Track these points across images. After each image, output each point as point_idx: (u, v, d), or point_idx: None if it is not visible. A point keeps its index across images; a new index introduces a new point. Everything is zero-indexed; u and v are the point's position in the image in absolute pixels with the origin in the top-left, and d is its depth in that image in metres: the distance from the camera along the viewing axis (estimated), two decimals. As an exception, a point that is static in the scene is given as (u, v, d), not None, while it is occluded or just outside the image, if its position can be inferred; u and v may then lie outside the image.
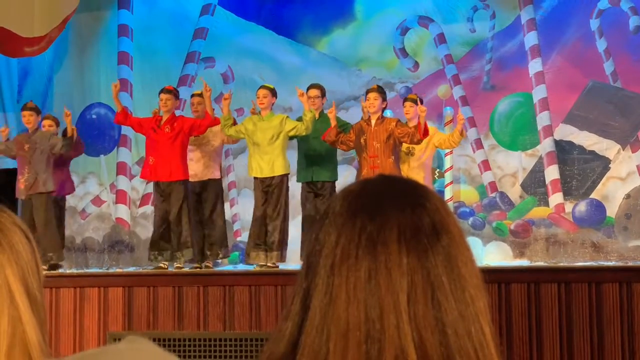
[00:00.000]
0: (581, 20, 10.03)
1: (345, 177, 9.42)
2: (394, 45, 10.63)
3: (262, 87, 8.53)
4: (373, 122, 8.16)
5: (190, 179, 8.71)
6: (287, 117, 8.47)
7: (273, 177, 8.33)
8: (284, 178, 8.40)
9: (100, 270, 9.04)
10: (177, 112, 8.94)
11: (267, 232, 8.33)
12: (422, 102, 8.68)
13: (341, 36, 10.81)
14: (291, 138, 8.48)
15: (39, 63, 11.03)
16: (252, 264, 8.35)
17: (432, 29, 10.57)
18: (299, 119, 8.46)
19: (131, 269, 9.14)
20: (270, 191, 8.32)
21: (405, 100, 8.74)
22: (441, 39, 10.52)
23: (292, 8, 10.87)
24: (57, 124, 9.29)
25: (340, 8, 10.80)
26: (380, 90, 8.28)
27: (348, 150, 8.40)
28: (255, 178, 8.48)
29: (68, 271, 8.53)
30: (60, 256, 8.89)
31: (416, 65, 10.59)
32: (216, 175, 9.04)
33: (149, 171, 8.62)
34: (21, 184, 8.82)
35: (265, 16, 10.98)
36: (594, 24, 10.03)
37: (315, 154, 8.58)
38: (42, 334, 1.29)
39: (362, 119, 8.46)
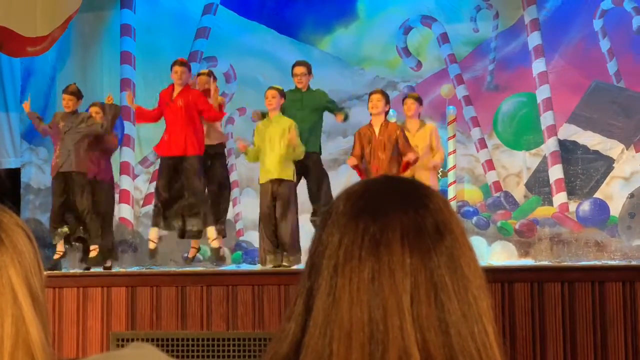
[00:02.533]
0: (584, 21, 10.03)
1: (348, 177, 9.43)
2: (397, 44, 10.63)
3: (271, 88, 8.46)
4: (377, 129, 8.07)
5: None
6: (295, 126, 8.35)
7: (282, 180, 8.23)
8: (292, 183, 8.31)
9: (104, 271, 9.04)
10: None
11: (276, 233, 8.28)
12: (421, 102, 8.68)
13: (344, 35, 10.81)
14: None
15: (42, 63, 11.04)
16: (269, 265, 8.30)
17: (435, 29, 10.57)
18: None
19: (134, 269, 9.14)
20: (279, 191, 8.22)
21: (406, 97, 8.73)
22: (444, 38, 10.52)
23: (294, 7, 10.87)
24: (105, 111, 9.21)
25: (343, 7, 10.80)
26: (383, 93, 8.27)
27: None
28: (262, 184, 8.38)
29: (71, 271, 8.54)
30: (103, 254, 8.86)
31: (419, 64, 10.59)
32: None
33: (162, 146, 8.47)
34: (53, 160, 8.76)
35: (267, 15, 10.99)
36: (598, 24, 10.02)
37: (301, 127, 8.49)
38: (45, 335, 1.29)
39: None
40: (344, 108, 8.76)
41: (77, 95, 8.79)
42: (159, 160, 9.05)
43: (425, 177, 8.25)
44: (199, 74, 9.04)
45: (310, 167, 8.48)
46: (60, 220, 8.72)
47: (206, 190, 8.63)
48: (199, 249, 8.88)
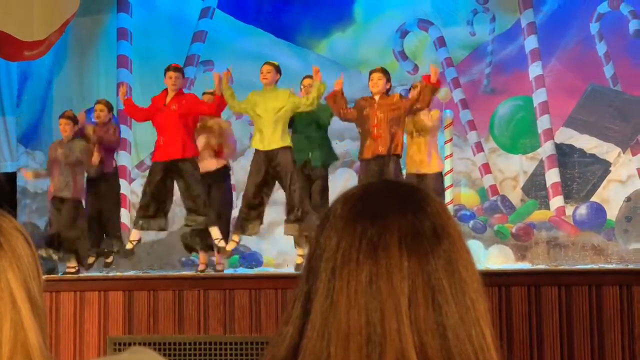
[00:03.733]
0: (581, 24, 10.05)
1: (346, 180, 9.43)
2: (394, 48, 10.64)
3: (266, 63, 8.44)
4: (377, 97, 8.04)
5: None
6: (292, 91, 8.31)
7: (276, 150, 8.15)
8: (288, 150, 8.21)
9: (100, 274, 9.03)
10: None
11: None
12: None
13: (340, 39, 10.82)
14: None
15: (39, 67, 11.03)
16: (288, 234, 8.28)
17: (432, 32, 10.58)
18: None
19: (131, 273, 9.13)
20: (274, 164, 8.15)
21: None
22: (441, 42, 10.53)
23: (291, 11, 10.88)
24: (110, 109, 9.19)
25: (340, 11, 10.81)
26: (384, 71, 8.16)
27: (340, 117, 8.22)
28: (256, 150, 8.30)
29: (68, 275, 8.53)
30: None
31: (416, 68, 10.60)
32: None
33: (159, 152, 8.46)
34: (51, 187, 8.83)
35: (264, 19, 10.99)
36: (594, 27, 10.04)
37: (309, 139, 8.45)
38: (44, 339, 1.29)
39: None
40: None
41: (74, 120, 8.84)
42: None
43: (425, 151, 8.23)
44: (204, 94, 8.91)
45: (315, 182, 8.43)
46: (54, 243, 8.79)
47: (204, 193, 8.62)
48: (207, 266, 8.74)
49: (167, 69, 8.47)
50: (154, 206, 8.40)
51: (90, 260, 9.02)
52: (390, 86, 8.15)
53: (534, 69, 10.14)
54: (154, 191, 8.35)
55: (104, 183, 9.08)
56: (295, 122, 8.46)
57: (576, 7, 10.11)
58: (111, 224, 9.17)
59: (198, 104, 8.40)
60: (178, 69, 8.51)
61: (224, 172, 8.95)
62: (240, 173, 10.34)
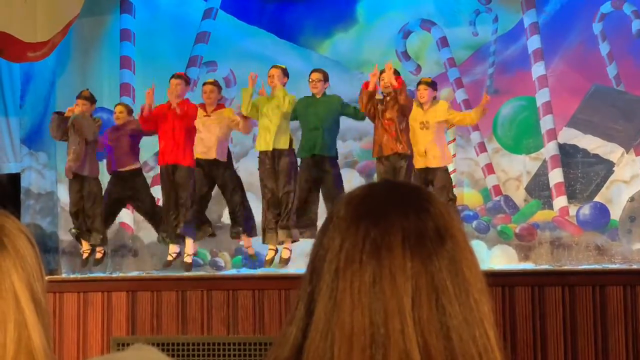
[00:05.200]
0: (584, 24, 10.03)
1: (349, 180, 9.41)
2: (396, 48, 10.63)
3: (274, 66, 8.51)
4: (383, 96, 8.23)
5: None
6: (294, 99, 8.39)
7: (279, 150, 8.24)
8: (291, 152, 8.31)
9: (104, 275, 9.03)
10: (189, 94, 8.92)
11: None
12: (435, 87, 8.71)
13: (343, 39, 10.81)
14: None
15: (42, 68, 11.04)
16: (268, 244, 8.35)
17: (435, 33, 10.57)
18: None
19: (134, 274, 9.14)
20: (277, 166, 8.24)
21: (419, 83, 8.74)
22: (444, 42, 10.52)
23: (294, 11, 10.87)
24: (130, 111, 9.29)
25: (342, 11, 10.80)
26: (396, 72, 8.30)
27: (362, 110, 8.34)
28: (260, 152, 8.41)
29: (72, 276, 8.54)
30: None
31: (418, 68, 10.59)
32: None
33: (161, 156, 8.58)
34: (66, 164, 8.94)
35: (267, 20, 10.98)
36: (597, 27, 10.03)
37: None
38: (47, 339, 1.29)
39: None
40: (357, 109, 8.65)
41: (91, 100, 8.99)
42: (157, 167, 9.14)
43: (435, 152, 8.31)
44: (205, 84, 9.08)
45: (326, 174, 8.40)
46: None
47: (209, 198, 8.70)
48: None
49: (171, 77, 8.69)
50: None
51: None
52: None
53: (537, 69, 10.13)
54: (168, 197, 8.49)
55: (137, 178, 9.06)
56: (301, 114, 8.50)
57: (579, 7, 10.10)
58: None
59: (195, 114, 8.52)
60: (180, 77, 8.70)
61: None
62: (243, 174, 10.34)
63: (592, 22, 10.04)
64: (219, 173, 8.74)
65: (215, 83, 9.08)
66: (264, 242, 8.56)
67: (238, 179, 8.96)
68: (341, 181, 8.40)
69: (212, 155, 8.67)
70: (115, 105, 9.44)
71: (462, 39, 10.48)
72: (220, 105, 8.99)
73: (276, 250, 8.52)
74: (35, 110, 11.07)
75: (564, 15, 10.16)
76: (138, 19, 11.25)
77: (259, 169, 8.54)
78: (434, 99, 8.65)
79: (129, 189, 9.03)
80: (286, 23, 10.90)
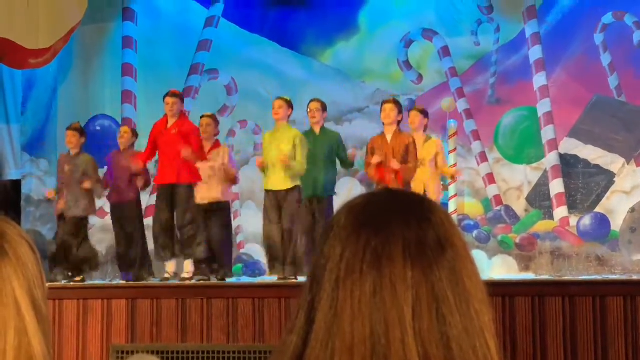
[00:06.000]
0: (585, 35, 10.05)
1: (349, 189, 9.42)
2: (398, 57, 10.65)
3: (278, 98, 8.44)
4: (389, 137, 8.01)
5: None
6: (301, 138, 8.30)
7: (286, 191, 8.18)
8: (297, 189, 8.24)
9: (104, 282, 9.03)
10: (189, 102, 8.90)
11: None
12: (426, 115, 8.63)
13: (345, 48, 10.83)
14: None
15: (44, 75, 11.05)
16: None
17: (436, 42, 10.59)
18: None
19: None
20: (283, 205, 8.18)
21: (411, 110, 8.71)
22: (445, 51, 10.54)
23: (296, 20, 10.90)
24: (135, 135, 9.17)
25: (344, 20, 10.82)
26: (397, 102, 8.18)
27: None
28: (267, 191, 8.35)
29: (71, 283, 8.53)
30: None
31: (420, 77, 10.61)
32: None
33: (158, 176, 8.54)
34: (60, 205, 8.75)
35: (269, 28, 11.01)
36: (598, 38, 10.05)
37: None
38: (47, 347, 1.29)
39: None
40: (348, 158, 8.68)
41: (80, 132, 8.83)
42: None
43: (432, 188, 8.25)
44: (202, 117, 8.97)
45: (317, 217, 8.41)
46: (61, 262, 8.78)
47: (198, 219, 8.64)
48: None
49: (166, 95, 8.53)
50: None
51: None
52: (402, 118, 8.16)
53: (539, 79, 10.15)
54: (164, 217, 8.45)
55: (127, 209, 9.00)
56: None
57: (581, 17, 10.12)
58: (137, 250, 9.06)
59: (194, 136, 8.42)
60: (175, 95, 8.54)
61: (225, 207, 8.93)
62: (245, 182, 10.34)
63: (593, 32, 10.06)
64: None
65: (212, 117, 8.98)
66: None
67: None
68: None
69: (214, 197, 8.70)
70: (121, 126, 9.28)
71: (464, 49, 10.50)
72: (216, 143, 8.90)
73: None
74: (37, 117, 11.08)
75: (566, 25, 10.18)
76: (140, 26, 11.27)
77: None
78: (425, 131, 8.56)
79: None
80: (288, 31, 10.92)
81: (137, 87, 11.11)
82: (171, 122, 8.45)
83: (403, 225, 1.14)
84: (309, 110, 8.52)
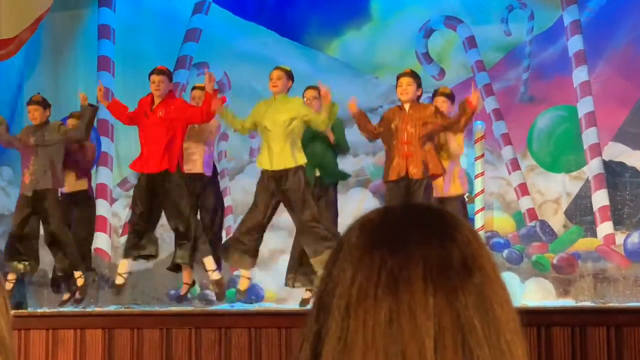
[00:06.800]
0: (633, 22, 10.06)
1: (360, 202, 9.43)
2: (417, 49, 10.67)
3: (277, 68, 8.39)
4: (407, 107, 7.92)
5: None
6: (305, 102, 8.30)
7: (286, 170, 8.07)
8: (301, 170, 8.10)
9: (76, 310, 9.04)
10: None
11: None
12: (454, 99, 8.57)
13: (355, 38, 10.86)
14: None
15: (7, 68, 11.09)
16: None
17: (461, 31, 10.61)
18: None
19: (112, 308, 9.14)
20: (283, 187, 8.06)
21: (436, 94, 8.63)
22: (471, 42, 10.55)
23: (298, 6, 10.93)
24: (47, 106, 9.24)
25: (354, 6, 10.85)
26: (415, 76, 8.10)
27: (370, 138, 8.23)
28: (263, 170, 8.22)
29: (39, 310, 8.54)
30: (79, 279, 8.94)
31: (442, 72, 10.63)
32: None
33: (139, 163, 8.50)
34: (26, 178, 8.78)
35: (267, 15, 11.04)
36: (649, 26, 10.06)
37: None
38: (12, 383, 1.30)
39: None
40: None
41: (43, 104, 8.85)
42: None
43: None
44: (193, 88, 9.05)
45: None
46: (16, 252, 8.78)
47: (197, 214, 8.64)
48: (192, 284, 8.84)
49: (151, 73, 8.53)
50: (143, 228, 8.43)
51: (65, 297, 9.04)
52: (421, 93, 8.08)
53: (579, 75, 10.15)
54: (142, 210, 8.37)
55: (77, 206, 9.09)
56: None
57: (627, 2, 10.13)
58: (83, 253, 9.14)
59: (186, 109, 8.42)
60: (163, 72, 8.54)
61: (213, 180, 8.98)
62: (239, 193, 10.36)
63: (642, 20, 10.07)
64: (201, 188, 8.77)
65: (201, 88, 9.06)
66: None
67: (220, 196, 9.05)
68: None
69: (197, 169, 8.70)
70: (69, 117, 9.26)
71: (493, 39, 10.52)
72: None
73: None
74: (-1, 117, 11.12)
75: (610, 12, 10.18)
76: (119, 13, 11.32)
77: None
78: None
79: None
80: (289, 19, 10.96)
81: (115, 83, 11.14)
82: (157, 102, 8.45)
83: (423, 244, 1.14)
84: (304, 99, 8.54)
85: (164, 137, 8.27)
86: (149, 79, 8.51)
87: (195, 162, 8.72)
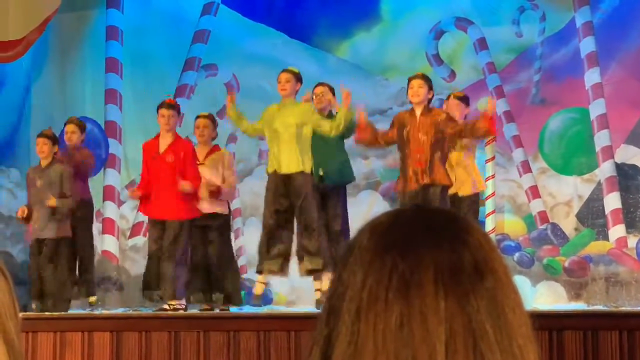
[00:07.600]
0: (646, 24, 10.05)
1: (370, 205, 9.42)
2: (427, 51, 10.66)
3: (285, 70, 8.38)
4: (418, 112, 7.91)
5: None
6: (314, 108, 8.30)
7: (294, 174, 8.08)
8: (308, 176, 8.12)
9: (84, 312, 9.05)
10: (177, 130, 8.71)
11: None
12: (468, 103, 8.58)
13: (365, 40, 10.86)
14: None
15: (15, 70, 11.11)
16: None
17: (472, 33, 10.60)
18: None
19: (120, 311, 9.15)
20: (292, 191, 8.08)
21: (448, 98, 8.62)
22: (482, 44, 10.55)
23: (307, 7, 10.93)
24: (83, 129, 9.14)
25: (364, 7, 10.85)
26: (426, 78, 8.08)
27: (388, 146, 8.24)
28: (271, 173, 8.22)
29: (47, 313, 8.55)
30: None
31: (452, 74, 10.62)
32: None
33: (150, 208, 8.41)
34: (31, 226, 8.73)
35: (276, 16, 11.05)
36: (663, 27, 10.05)
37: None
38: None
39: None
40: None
41: (52, 139, 8.77)
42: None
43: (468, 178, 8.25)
44: (197, 117, 8.92)
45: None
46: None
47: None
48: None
49: (160, 106, 8.34)
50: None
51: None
52: (433, 96, 8.06)
53: (591, 76, 10.14)
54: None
55: (76, 212, 9.01)
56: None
57: (640, 3, 10.12)
58: (85, 261, 9.14)
59: (191, 165, 8.31)
60: (172, 106, 8.34)
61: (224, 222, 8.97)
62: (248, 195, 10.37)
63: (655, 21, 10.05)
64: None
65: (210, 117, 8.92)
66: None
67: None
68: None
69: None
70: (66, 123, 9.16)
71: (504, 41, 10.51)
72: (215, 147, 8.86)
73: None
74: (7, 119, 11.13)
75: (623, 13, 10.16)
76: (127, 14, 11.33)
77: None
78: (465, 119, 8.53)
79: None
80: (298, 20, 10.96)
81: (123, 85, 11.15)
82: (164, 143, 8.28)
83: (435, 247, 1.14)
84: (313, 95, 8.55)
85: (174, 182, 8.12)
86: (158, 112, 8.32)
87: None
